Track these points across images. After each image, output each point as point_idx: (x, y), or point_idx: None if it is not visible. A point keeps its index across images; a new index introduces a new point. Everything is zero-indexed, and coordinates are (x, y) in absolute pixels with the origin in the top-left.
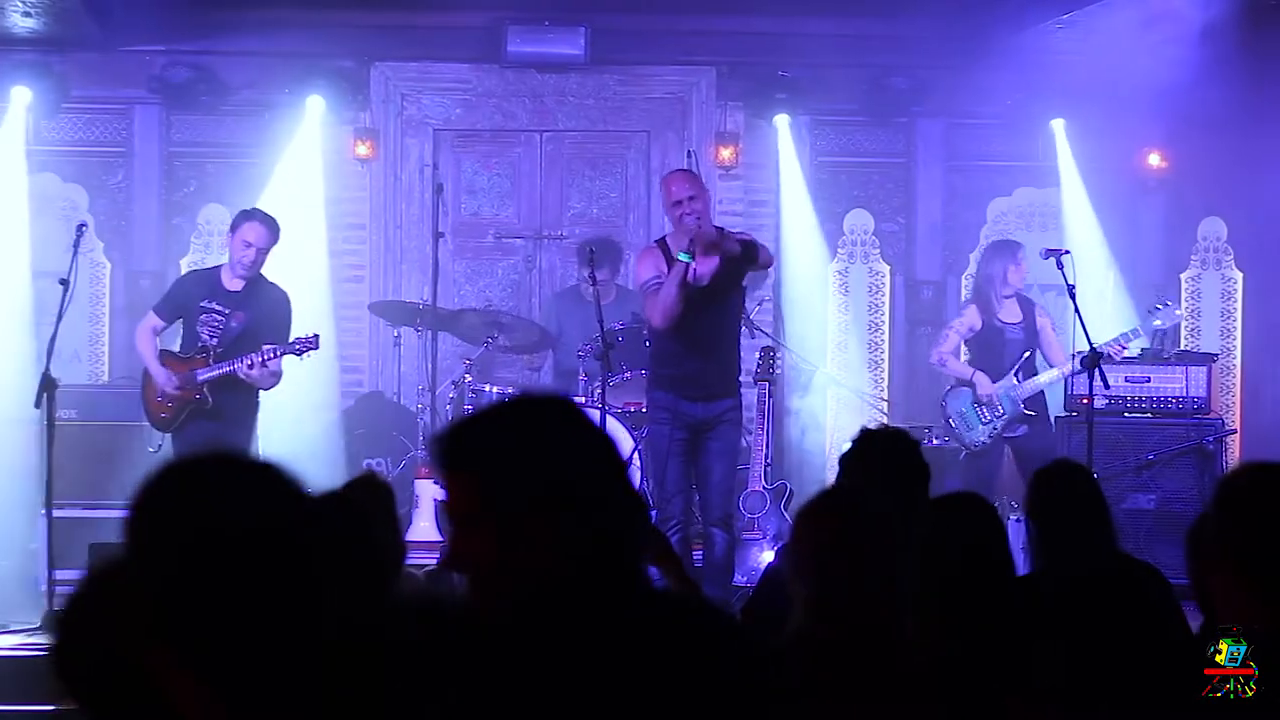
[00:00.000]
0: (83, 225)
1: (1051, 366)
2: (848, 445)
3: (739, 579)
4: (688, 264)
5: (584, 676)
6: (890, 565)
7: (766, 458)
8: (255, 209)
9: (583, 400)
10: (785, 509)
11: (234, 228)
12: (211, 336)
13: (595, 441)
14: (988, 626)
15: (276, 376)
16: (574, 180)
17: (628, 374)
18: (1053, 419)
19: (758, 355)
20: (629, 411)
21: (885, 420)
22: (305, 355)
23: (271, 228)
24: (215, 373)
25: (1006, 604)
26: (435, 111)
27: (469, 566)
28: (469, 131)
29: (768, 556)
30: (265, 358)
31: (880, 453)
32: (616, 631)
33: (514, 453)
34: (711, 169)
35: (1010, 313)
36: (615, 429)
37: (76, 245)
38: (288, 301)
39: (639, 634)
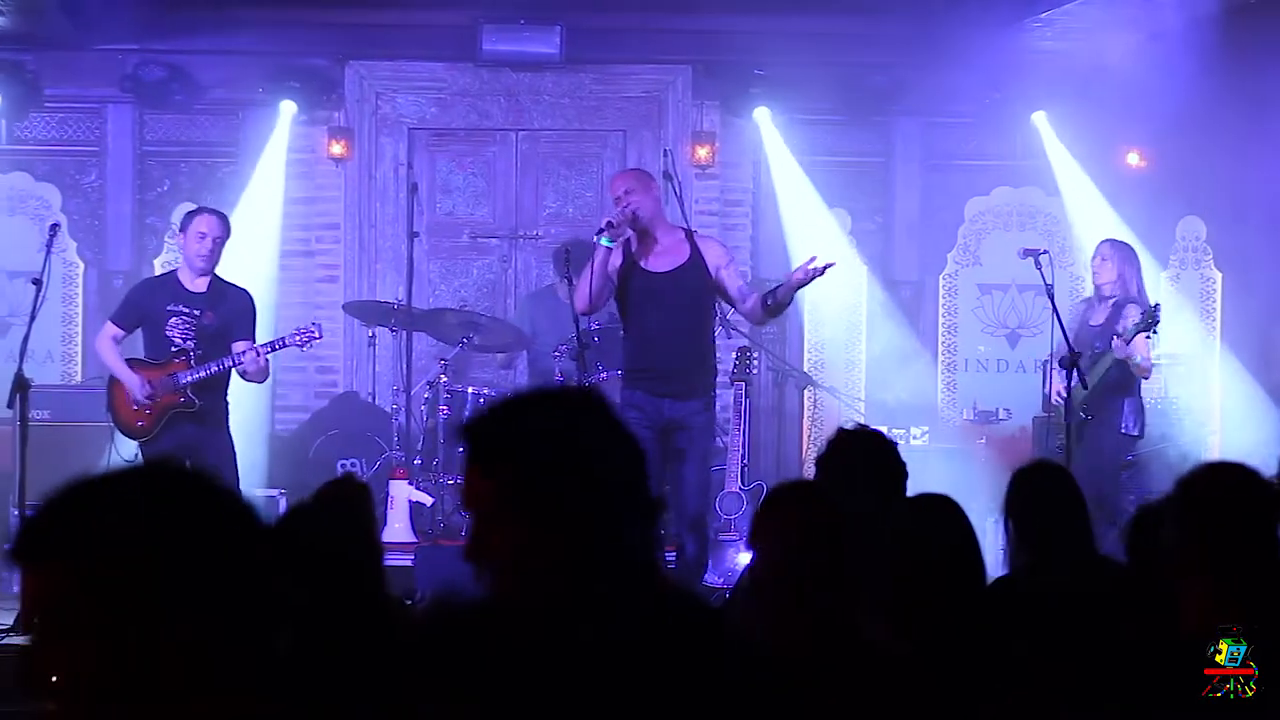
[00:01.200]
0: (55, 225)
1: None
2: (824, 446)
3: (716, 580)
4: (605, 249)
5: (609, 669)
6: (845, 560)
7: (743, 458)
8: (201, 206)
9: None
10: None
11: (184, 227)
12: (185, 339)
13: (622, 435)
14: (957, 629)
15: (267, 372)
16: (549, 180)
17: (604, 374)
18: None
19: (734, 355)
20: None
21: (863, 420)
22: (308, 346)
23: (223, 219)
24: (202, 374)
25: (977, 606)
26: (410, 110)
27: (496, 558)
28: (444, 131)
29: (744, 558)
30: (261, 352)
31: (857, 453)
32: (637, 626)
33: (549, 445)
34: (688, 168)
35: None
36: None
37: (49, 245)
38: (253, 300)
39: (660, 629)
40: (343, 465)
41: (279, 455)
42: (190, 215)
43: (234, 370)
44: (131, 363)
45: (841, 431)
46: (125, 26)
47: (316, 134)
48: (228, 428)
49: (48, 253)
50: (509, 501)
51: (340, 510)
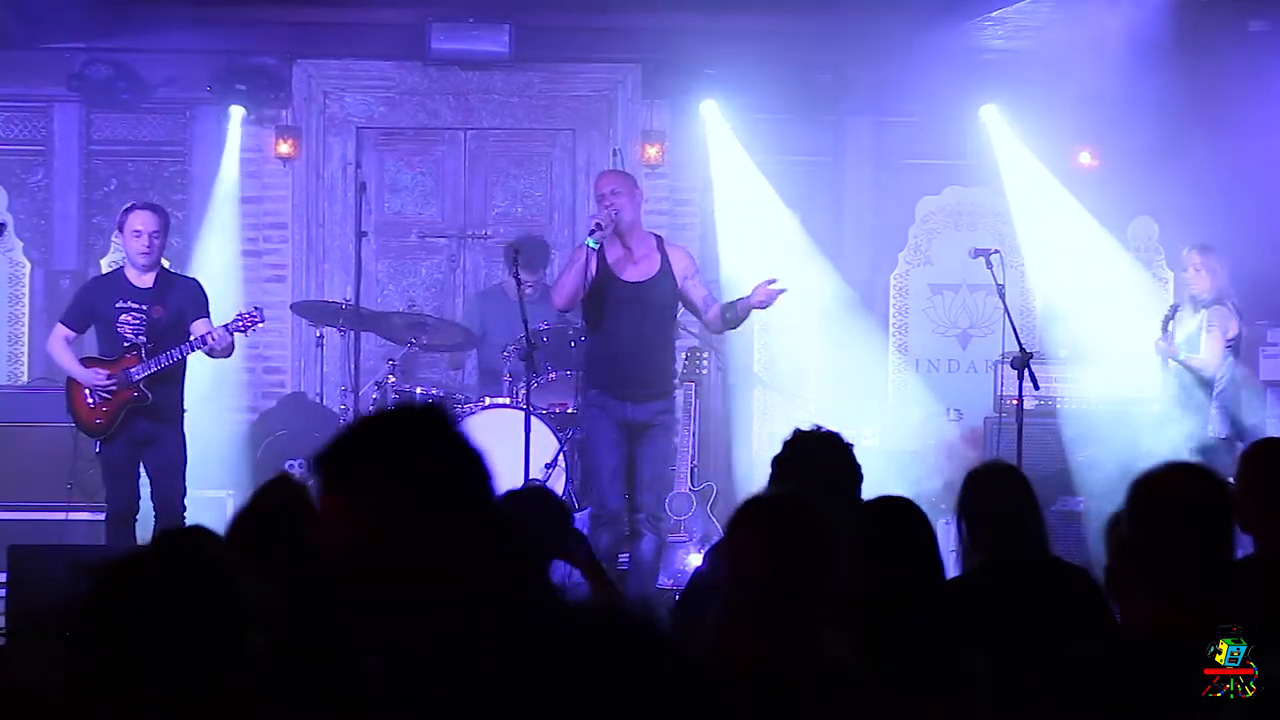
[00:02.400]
0: (2, 225)
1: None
2: (779, 447)
3: (666, 581)
4: (591, 250)
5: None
6: (826, 577)
7: (692, 459)
8: (135, 202)
9: (507, 401)
10: (711, 511)
11: (120, 225)
12: (136, 334)
13: (470, 450)
14: (913, 631)
15: (233, 347)
16: (498, 179)
17: (553, 374)
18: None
19: (684, 356)
20: (554, 413)
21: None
22: (250, 331)
23: (158, 212)
24: (153, 368)
25: (933, 608)
26: (358, 109)
27: (349, 569)
28: (392, 129)
29: (695, 559)
30: (214, 334)
31: (812, 454)
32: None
33: (402, 466)
34: (637, 167)
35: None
36: (540, 431)
37: None
38: (202, 287)
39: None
40: (290, 466)
41: (226, 455)
42: (125, 212)
43: (200, 350)
44: (85, 361)
45: (798, 432)
46: (72, 25)
47: (264, 133)
48: (181, 423)
49: None
50: (368, 526)
51: (279, 510)
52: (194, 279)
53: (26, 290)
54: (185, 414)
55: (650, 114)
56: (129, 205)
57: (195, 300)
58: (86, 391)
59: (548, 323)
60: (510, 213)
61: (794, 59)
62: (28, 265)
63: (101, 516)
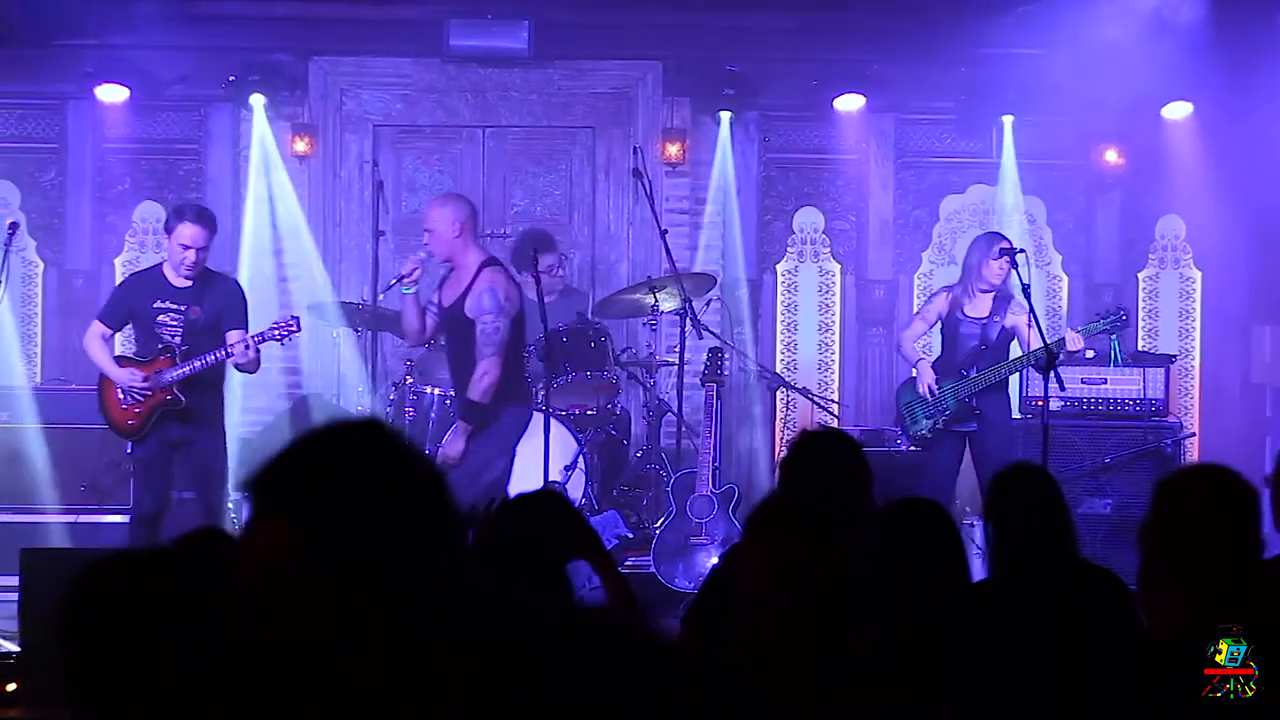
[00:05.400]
0: (14, 223)
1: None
2: (787, 449)
3: (686, 584)
4: (411, 296)
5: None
6: (839, 577)
7: (714, 460)
8: (186, 206)
9: None
10: (733, 513)
11: (168, 229)
12: (173, 336)
13: (416, 457)
14: (937, 635)
15: (259, 363)
16: (517, 177)
17: (572, 375)
18: (1012, 418)
19: (705, 356)
20: (574, 414)
21: (836, 423)
22: (285, 340)
23: (205, 224)
24: (185, 370)
25: (958, 612)
26: (375, 107)
27: (293, 602)
28: (410, 127)
29: (714, 563)
30: (246, 344)
31: (820, 456)
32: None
33: (343, 483)
34: (658, 166)
35: (978, 307)
36: (559, 433)
37: (8, 244)
38: (242, 291)
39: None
40: None
41: (244, 458)
42: (173, 220)
43: (228, 362)
44: (120, 360)
45: (805, 434)
46: (85, 22)
47: (280, 131)
48: (220, 427)
49: (6, 252)
50: (298, 549)
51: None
52: (235, 281)
53: (39, 290)
54: (223, 413)
55: (671, 112)
56: (180, 210)
57: (234, 307)
58: (120, 392)
59: (566, 322)
60: (529, 211)
61: (817, 56)
62: (40, 265)
63: (117, 519)
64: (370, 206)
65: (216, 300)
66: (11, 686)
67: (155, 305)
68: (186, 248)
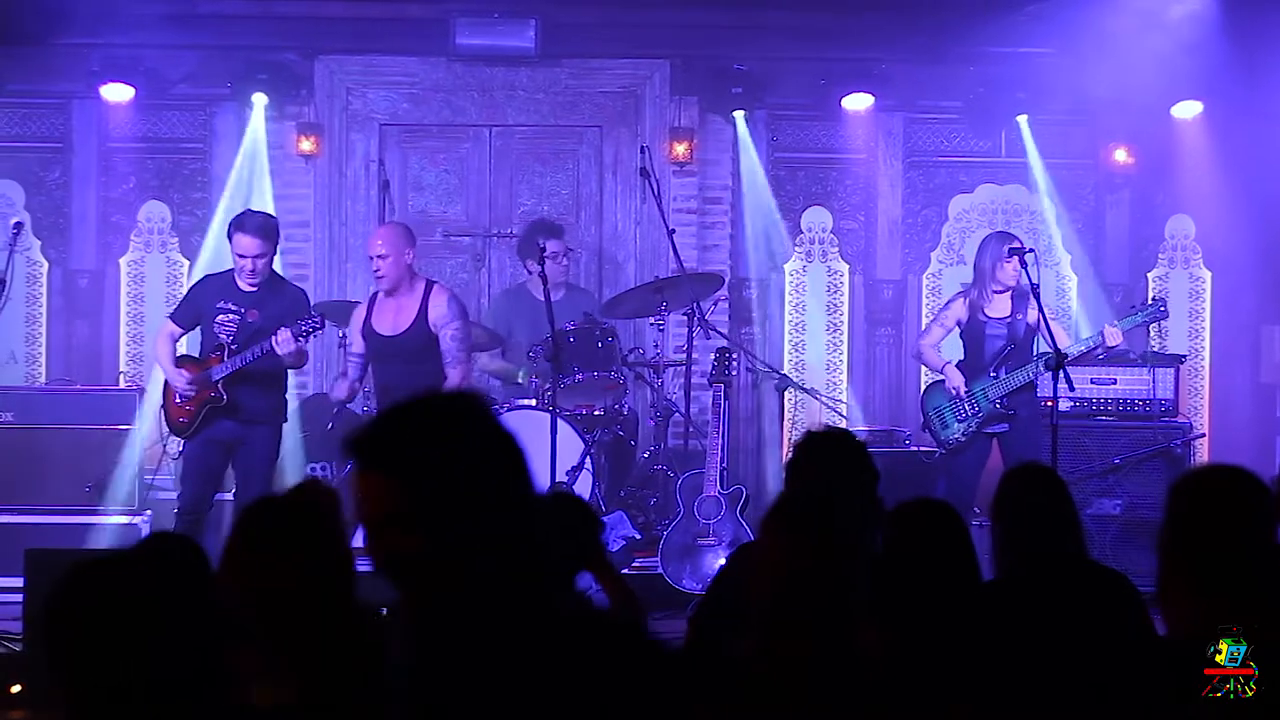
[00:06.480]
0: (19, 223)
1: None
2: (792, 450)
3: (694, 586)
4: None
5: (510, 673)
6: (851, 579)
7: (722, 461)
8: (245, 214)
9: (533, 403)
10: (741, 514)
11: (230, 235)
12: (227, 336)
13: (508, 441)
14: (947, 636)
15: (305, 357)
16: (524, 176)
17: (579, 375)
18: (1043, 418)
19: (713, 357)
20: (580, 414)
21: (844, 423)
22: (310, 338)
23: (260, 233)
24: (228, 367)
25: (967, 614)
26: (381, 106)
27: (401, 568)
28: (416, 126)
29: (722, 563)
30: (279, 338)
31: (825, 456)
32: (538, 629)
33: (440, 454)
34: (665, 165)
35: (999, 308)
36: (566, 433)
37: (13, 244)
38: (306, 298)
39: (559, 637)
40: (312, 469)
41: None
42: (232, 228)
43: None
44: (182, 359)
45: (809, 434)
46: (90, 21)
47: (285, 130)
48: (276, 427)
49: (10, 251)
50: (405, 512)
51: (306, 515)
52: (300, 290)
53: (44, 290)
54: (278, 411)
55: (679, 111)
56: (240, 219)
57: (294, 314)
58: (176, 391)
59: (573, 322)
60: (536, 211)
61: (825, 55)
62: (45, 265)
63: (117, 521)
64: (376, 205)
65: (277, 306)
66: (16, 688)
67: (217, 305)
68: (243, 256)
